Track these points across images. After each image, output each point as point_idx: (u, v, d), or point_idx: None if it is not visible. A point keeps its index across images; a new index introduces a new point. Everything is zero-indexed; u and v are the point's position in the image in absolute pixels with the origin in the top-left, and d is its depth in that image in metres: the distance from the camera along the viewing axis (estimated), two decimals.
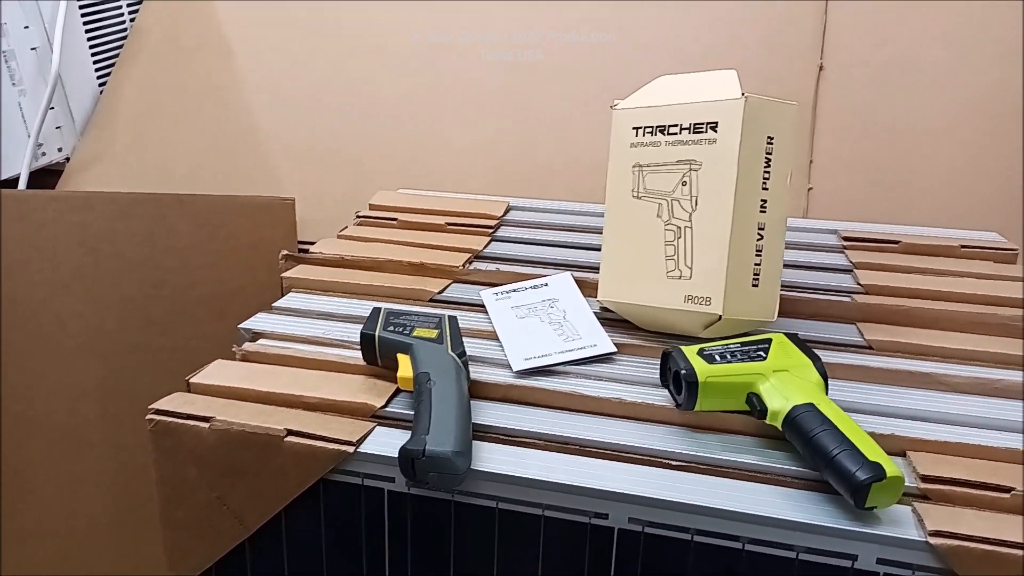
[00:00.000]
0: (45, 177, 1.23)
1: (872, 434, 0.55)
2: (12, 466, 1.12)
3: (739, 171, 0.60)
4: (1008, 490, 0.51)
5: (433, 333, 0.62)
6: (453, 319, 0.65)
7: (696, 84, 0.65)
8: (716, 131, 0.61)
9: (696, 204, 0.63)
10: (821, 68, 1.02)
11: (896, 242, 0.84)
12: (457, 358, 0.60)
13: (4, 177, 1.15)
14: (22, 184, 1.15)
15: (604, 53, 1.10)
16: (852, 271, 0.79)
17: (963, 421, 0.58)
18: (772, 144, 0.61)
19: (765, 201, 0.62)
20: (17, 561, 1.13)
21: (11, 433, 1.11)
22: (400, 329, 0.63)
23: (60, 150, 1.22)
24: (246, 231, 1.07)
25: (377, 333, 0.62)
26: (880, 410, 0.59)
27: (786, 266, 0.80)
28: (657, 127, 0.65)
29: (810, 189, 1.00)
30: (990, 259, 0.81)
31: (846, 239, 0.86)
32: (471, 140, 1.16)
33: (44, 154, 1.19)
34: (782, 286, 0.75)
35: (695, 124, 0.62)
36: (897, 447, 0.55)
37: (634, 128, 0.67)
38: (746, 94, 0.60)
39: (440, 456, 0.51)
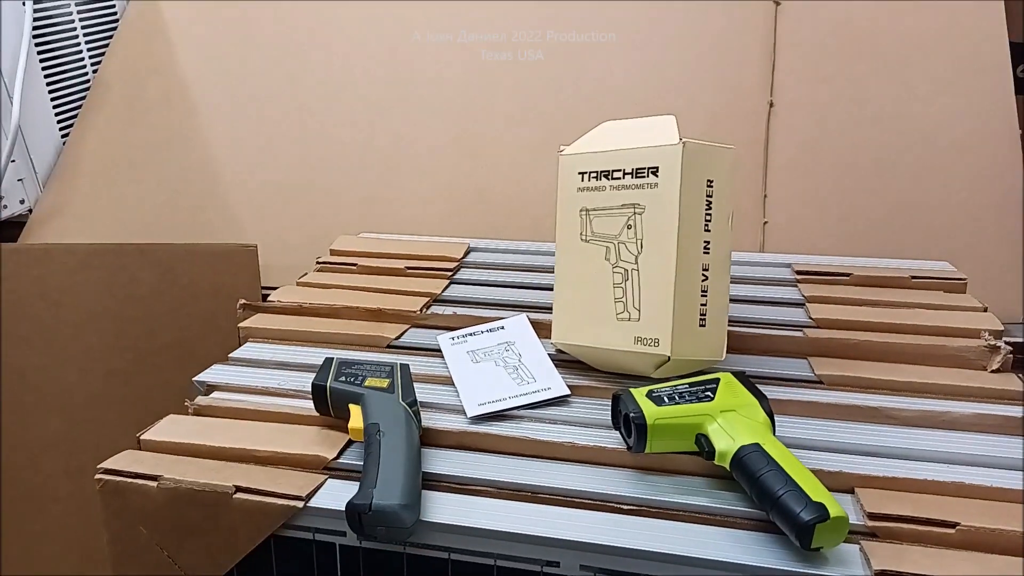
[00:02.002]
0: (8, 229, 1.22)
1: (820, 471, 0.56)
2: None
3: (681, 214, 0.61)
4: (953, 525, 0.51)
5: (384, 383, 0.62)
6: (405, 367, 0.65)
7: (638, 130, 0.66)
8: (657, 175, 0.63)
9: (641, 247, 0.64)
10: (771, 105, 1.05)
11: (848, 275, 0.85)
12: (408, 407, 0.60)
13: None
14: None
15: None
16: (804, 305, 0.80)
17: (911, 455, 0.59)
18: (712, 187, 0.63)
19: (708, 242, 0.63)
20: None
21: None
22: (352, 379, 0.63)
23: (23, 202, 1.22)
24: (208, 279, 1.07)
25: (328, 384, 0.62)
26: (829, 446, 0.60)
27: (739, 301, 0.82)
28: (602, 172, 0.66)
29: (765, 223, 1.02)
30: (940, 288, 0.83)
31: (799, 272, 0.87)
32: (439, 176, 1.17)
33: (6, 207, 1.18)
34: (734, 322, 0.76)
35: (637, 169, 0.64)
36: (845, 484, 0.56)
37: (580, 173, 0.68)
38: (684, 140, 0.62)
39: (387, 510, 0.50)
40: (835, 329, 0.75)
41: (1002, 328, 0.73)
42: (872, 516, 0.52)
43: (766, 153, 1.04)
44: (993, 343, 0.69)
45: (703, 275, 0.63)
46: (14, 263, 1.10)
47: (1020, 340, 0.88)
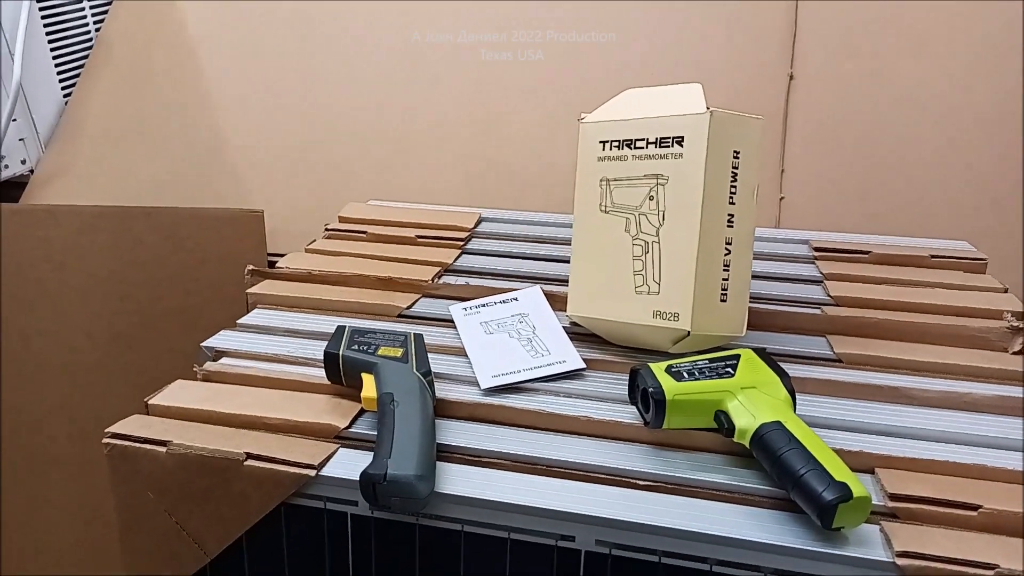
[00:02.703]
0: (9, 190, 1.20)
1: (840, 451, 0.55)
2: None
3: (705, 185, 0.60)
4: (976, 508, 0.50)
5: (398, 352, 0.61)
6: (419, 337, 0.64)
7: (662, 98, 0.64)
8: (682, 145, 0.61)
9: (663, 219, 0.62)
10: (791, 78, 1.02)
11: (866, 252, 0.84)
12: (422, 378, 0.59)
13: None
14: None
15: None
16: (822, 282, 0.79)
17: (931, 436, 0.58)
18: (738, 158, 0.61)
19: (732, 215, 0.61)
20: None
21: None
22: (364, 348, 0.62)
23: (24, 162, 1.20)
24: (214, 244, 1.05)
25: (341, 352, 0.61)
26: (849, 426, 0.59)
27: (756, 277, 0.80)
28: (624, 141, 0.64)
29: (782, 199, 1.00)
30: (960, 268, 0.82)
31: (817, 249, 0.86)
32: (450, 146, 1.15)
33: (7, 167, 1.16)
34: (752, 299, 0.75)
35: (661, 138, 0.62)
36: (865, 464, 0.55)
37: (601, 142, 0.66)
38: (711, 108, 0.60)
39: (402, 480, 0.50)
40: (854, 307, 0.73)
41: (1022, 309, 0.71)
42: (893, 497, 0.51)
43: (784, 127, 1.02)
44: (1016, 324, 0.68)
45: (726, 249, 0.62)
46: (16, 223, 1.08)
47: None
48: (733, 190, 0.61)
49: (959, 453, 0.56)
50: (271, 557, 0.58)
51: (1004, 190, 0.96)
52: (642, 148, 0.63)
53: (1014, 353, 0.67)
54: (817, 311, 0.73)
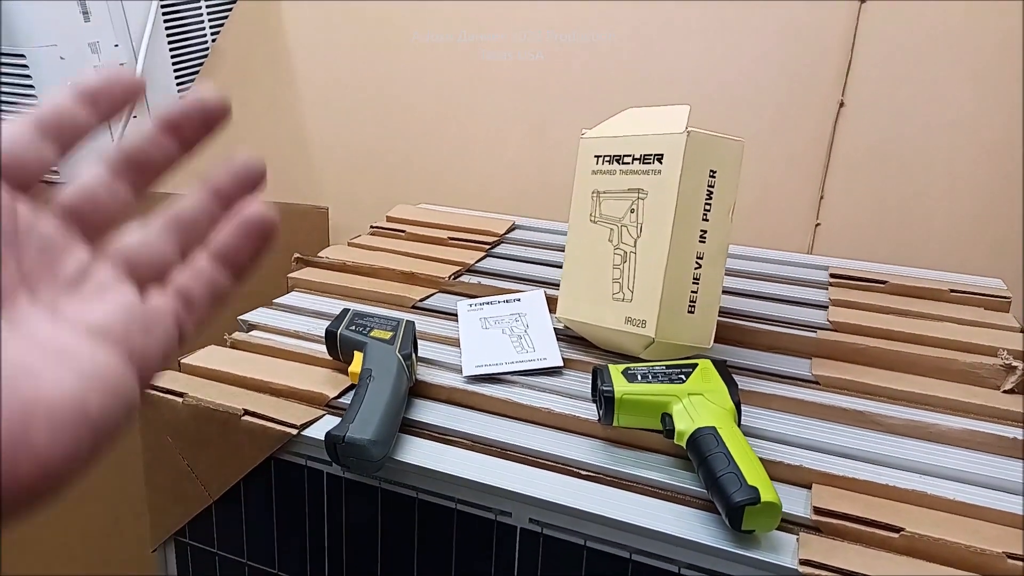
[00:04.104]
0: None
1: (780, 463, 0.57)
2: None
3: (679, 201, 0.63)
4: (898, 530, 0.51)
5: (387, 335, 0.68)
6: (410, 323, 0.70)
7: (653, 117, 0.68)
8: (662, 162, 0.64)
9: (641, 231, 0.66)
10: (842, 105, 1.02)
11: (883, 282, 0.83)
12: (402, 359, 0.65)
13: None
14: None
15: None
16: (826, 308, 0.79)
17: (885, 462, 0.58)
18: (715, 177, 0.64)
19: (705, 231, 0.64)
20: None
21: None
22: (360, 329, 0.69)
23: None
24: (285, 234, 1.15)
25: (339, 331, 0.69)
26: (800, 443, 0.60)
27: (761, 298, 0.82)
28: (614, 156, 0.68)
29: (818, 225, 1.00)
30: (981, 305, 0.79)
31: (833, 276, 0.86)
32: (504, 158, 1.22)
33: None
34: (748, 317, 0.77)
35: (645, 155, 0.66)
36: (803, 479, 0.56)
37: (595, 156, 0.70)
38: (690, 129, 0.63)
39: (358, 443, 0.56)
40: (848, 333, 0.73)
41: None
42: (817, 511, 0.53)
43: (828, 154, 1.01)
44: (1010, 363, 0.66)
45: (697, 263, 0.64)
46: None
47: None
48: (708, 207, 0.64)
49: (905, 479, 0.56)
50: (263, 506, 0.66)
51: None
52: (628, 164, 0.67)
53: (1004, 392, 0.65)
54: (811, 333, 0.74)
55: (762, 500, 0.49)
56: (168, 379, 0.69)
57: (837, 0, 1.04)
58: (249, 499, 0.67)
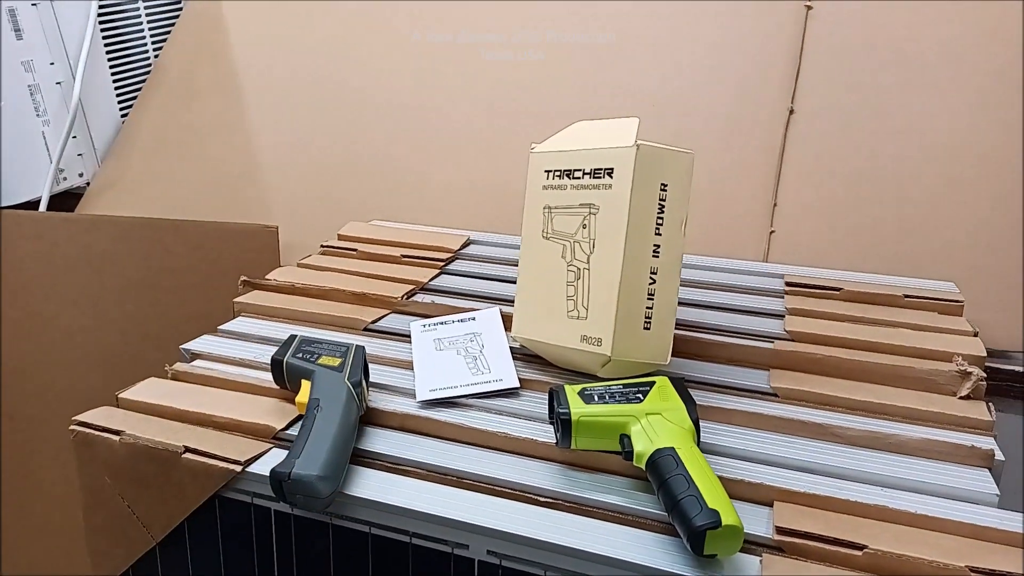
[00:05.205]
0: (68, 200, 1.33)
1: (740, 482, 0.56)
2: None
3: (630, 216, 0.62)
4: (861, 548, 0.50)
5: (336, 362, 0.65)
6: (360, 349, 0.68)
7: (602, 130, 0.67)
8: (612, 177, 0.63)
9: (594, 246, 0.64)
10: (791, 112, 1.02)
11: (838, 289, 0.83)
12: (351, 387, 0.62)
13: (26, 199, 1.25)
14: (43, 206, 1.25)
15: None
16: (783, 317, 0.79)
17: (844, 475, 0.58)
18: (666, 191, 0.63)
19: (658, 246, 0.63)
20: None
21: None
22: (308, 356, 0.66)
23: (81, 175, 1.32)
24: (233, 255, 1.13)
25: (286, 359, 0.66)
26: (761, 458, 0.59)
27: (717, 308, 0.81)
28: (564, 171, 0.67)
29: (772, 232, 1.00)
30: (934, 310, 0.80)
31: (789, 284, 0.85)
32: (460, 172, 1.20)
33: (65, 179, 1.29)
34: (705, 329, 0.76)
35: (595, 169, 0.64)
36: (765, 496, 0.55)
37: (546, 171, 0.69)
38: (639, 142, 0.62)
39: (304, 479, 0.54)
40: (805, 343, 0.73)
41: (984, 355, 0.69)
42: (780, 530, 0.52)
43: (780, 161, 1.02)
44: (965, 368, 0.66)
45: (651, 278, 0.63)
46: (66, 230, 1.19)
47: (1021, 369, 0.84)
48: (660, 221, 0.63)
49: (866, 493, 0.55)
50: (210, 546, 0.63)
51: (1001, 231, 0.93)
52: (579, 178, 0.66)
53: (961, 398, 0.65)
54: (768, 344, 0.73)
55: (723, 523, 0.48)
56: (104, 416, 0.65)
57: (784, 1, 1.04)
58: (194, 539, 0.63)
